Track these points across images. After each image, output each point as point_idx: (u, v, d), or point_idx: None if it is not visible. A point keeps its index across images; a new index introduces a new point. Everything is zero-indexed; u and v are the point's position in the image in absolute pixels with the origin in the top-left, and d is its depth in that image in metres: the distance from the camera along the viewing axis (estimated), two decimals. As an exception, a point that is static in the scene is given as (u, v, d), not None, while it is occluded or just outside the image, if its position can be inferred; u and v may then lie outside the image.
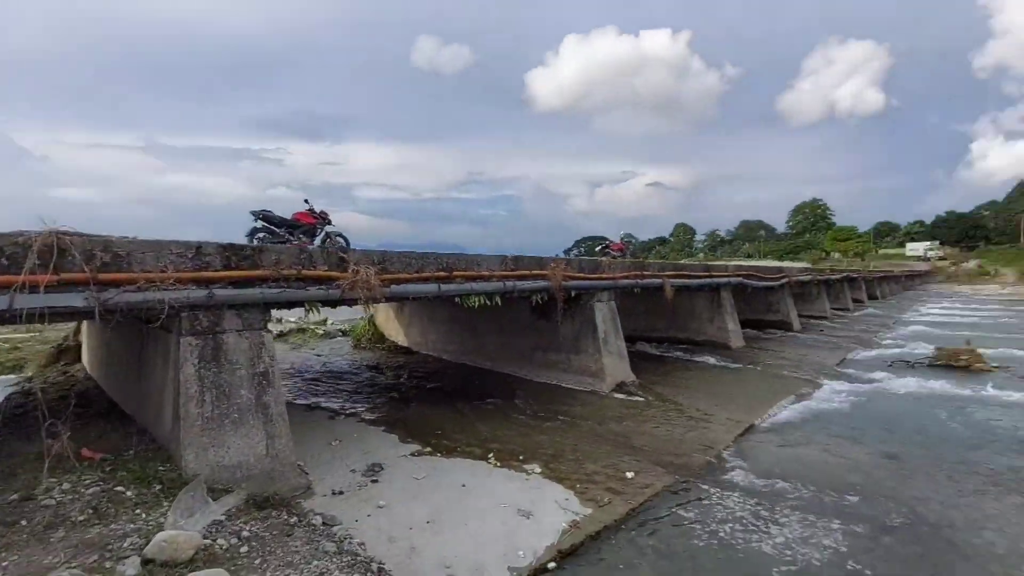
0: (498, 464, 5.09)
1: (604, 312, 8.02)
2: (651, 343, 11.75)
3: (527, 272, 6.74)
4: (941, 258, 61.84)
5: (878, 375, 9.41)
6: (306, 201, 7.70)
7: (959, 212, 77.78)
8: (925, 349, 11.39)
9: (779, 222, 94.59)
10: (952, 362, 9.96)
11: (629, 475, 4.93)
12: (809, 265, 43.44)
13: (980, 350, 10.24)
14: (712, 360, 10.39)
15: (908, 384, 8.77)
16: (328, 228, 7.79)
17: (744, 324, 14.65)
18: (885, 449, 5.83)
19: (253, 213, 7.23)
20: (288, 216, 7.55)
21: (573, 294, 7.54)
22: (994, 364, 9.96)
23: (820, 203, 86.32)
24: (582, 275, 7.66)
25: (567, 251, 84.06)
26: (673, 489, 4.77)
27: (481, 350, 9.45)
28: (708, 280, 10.93)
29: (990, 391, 8.27)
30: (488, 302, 6.46)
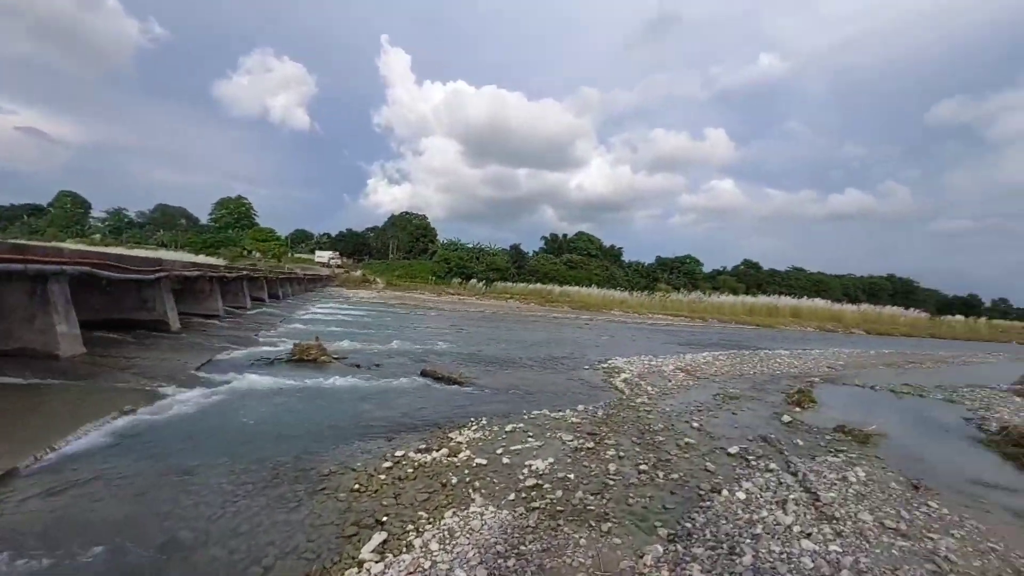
0: None
1: None
2: (-94, 359, 7.46)
3: None
4: (339, 266, 75.11)
5: (236, 376, 9.20)
6: None
7: (355, 231, 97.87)
8: (290, 345, 12.23)
9: (204, 213, 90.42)
10: (304, 356, 11.07)
11: None
12: (225, 262, 43.07)
13: (326, 344, 11.91)
14: (19, 379, 7.49)
15: (261, 382, 8.96)
16: None
17: (108, 324, 12.07)
18: (187, 463, 5.24)
19: None
20: None
21: None
22: (336, 356, 11.78)
23: (246, 201, 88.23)
24: None
25: None
26: None
27: None
28: (23, 267, 7.87)
29: (323, 381, 9.44)
30: None
